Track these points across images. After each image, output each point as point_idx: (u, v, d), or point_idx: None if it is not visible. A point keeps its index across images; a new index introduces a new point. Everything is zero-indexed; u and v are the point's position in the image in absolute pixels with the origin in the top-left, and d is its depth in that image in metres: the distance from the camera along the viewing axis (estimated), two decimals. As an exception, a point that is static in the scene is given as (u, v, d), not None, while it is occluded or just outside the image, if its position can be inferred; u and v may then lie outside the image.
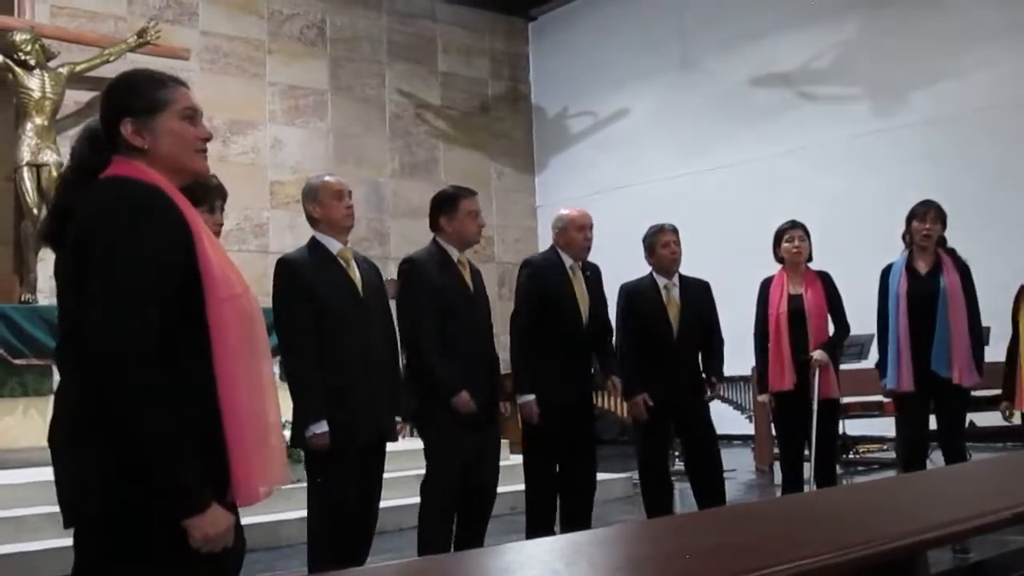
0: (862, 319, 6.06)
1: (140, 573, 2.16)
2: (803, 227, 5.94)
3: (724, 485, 5.71)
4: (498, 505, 5.06)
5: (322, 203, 4.33)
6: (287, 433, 4.74)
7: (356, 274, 4.32)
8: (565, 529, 5.21)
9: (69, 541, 2.26)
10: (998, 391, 5.96)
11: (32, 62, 9.11)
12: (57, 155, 8.88)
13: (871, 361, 6.37)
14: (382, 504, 4.43)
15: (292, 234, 10.66)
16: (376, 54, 12.77)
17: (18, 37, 9.08)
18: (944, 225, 5.63)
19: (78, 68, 9.46)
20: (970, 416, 6.10)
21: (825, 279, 5.91)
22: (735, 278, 6.83)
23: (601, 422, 6.36)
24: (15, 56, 9.08)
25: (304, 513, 4.31)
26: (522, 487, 5.35)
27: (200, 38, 11.24)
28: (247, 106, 11.57)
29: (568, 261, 5.37)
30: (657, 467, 5.71)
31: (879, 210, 8.26)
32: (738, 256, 8.41)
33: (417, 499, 4.76)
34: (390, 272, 10.68)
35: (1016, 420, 5.79)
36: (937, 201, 5.64)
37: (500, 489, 4.99)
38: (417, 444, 4.90)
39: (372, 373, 4.25)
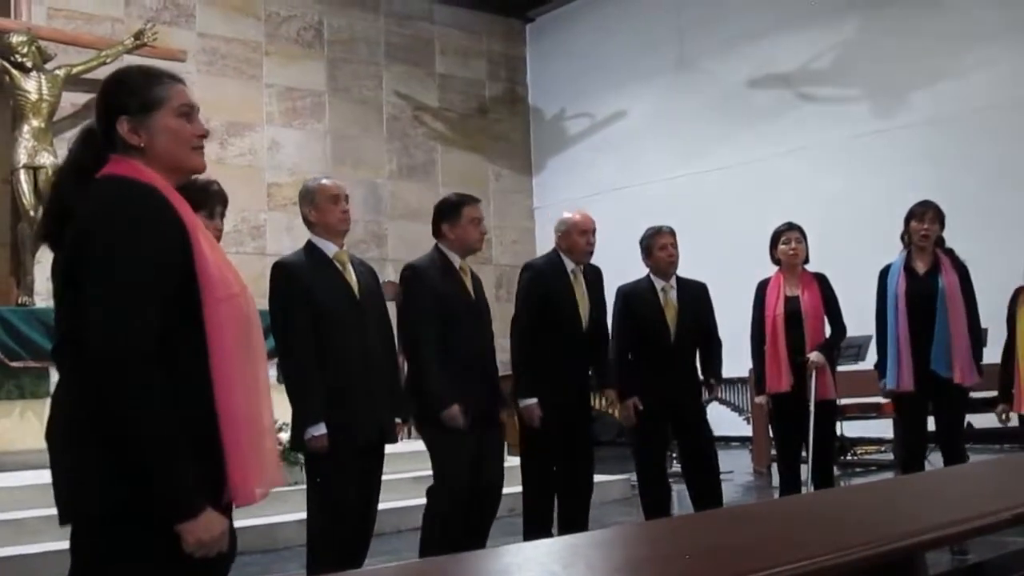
0: (861, 320, 6.07)
1: (137, 574, 2.16)
2: (800, 229, 5.95)
3: (721, 487, 5.71)
4: (495, 507, 5.06)
5: (318, 207, 4.33)
6: (284, 435, 4.77)
7: (352, 277, 4.31)
8: (563, 530, 5.21)
9: (68, 544, 2.26)
10: (996, 393, 5.95)
11: (29, 64, 9.10)
12: (54, 157, 8.86)
13: (869, 362, 6.38)
14: (381, 506, 4.42)
15: (289, 236, 10.66)
16: (373, 56, 12.77)
17: (15, 39, 9.07)
18: (942, 225, 5.64)
19: (75, 70, 9.45)
20: (968, 417, 6.08)
21: (822, 281, 5.91)
22: (734, 279, 6.82)
23: (599, 423, 6.36)
24: (11, 58, 9.06)
25: (301, 516, 4.31)
26: (520, 489, 5.35)
27: (197, 40, 11.23)
28: (244, 108, 11.57)
29: (570, 265, 5.38)
30: (655, 469, 5.71)
31: (878, 211, 8.25)
32: (737, 257, 8.41)
33: (416, 501, 4.75)
34: (387, 274, 10.71)
35: (1014, 422, 5.78)
36: (936, 202, 5.64)
37: (498, 491, 4.99)
38: (416, 446, 4.91)
39: (370, 375, 4.24)
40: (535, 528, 5.23)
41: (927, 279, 5.55)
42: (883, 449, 9.47)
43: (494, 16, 13.95)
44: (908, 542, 2.19)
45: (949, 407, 5.59)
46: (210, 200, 3.61)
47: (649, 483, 5.66)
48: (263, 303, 4.17)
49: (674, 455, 7.18)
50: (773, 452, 7.34)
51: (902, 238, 5.71)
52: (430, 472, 4.76)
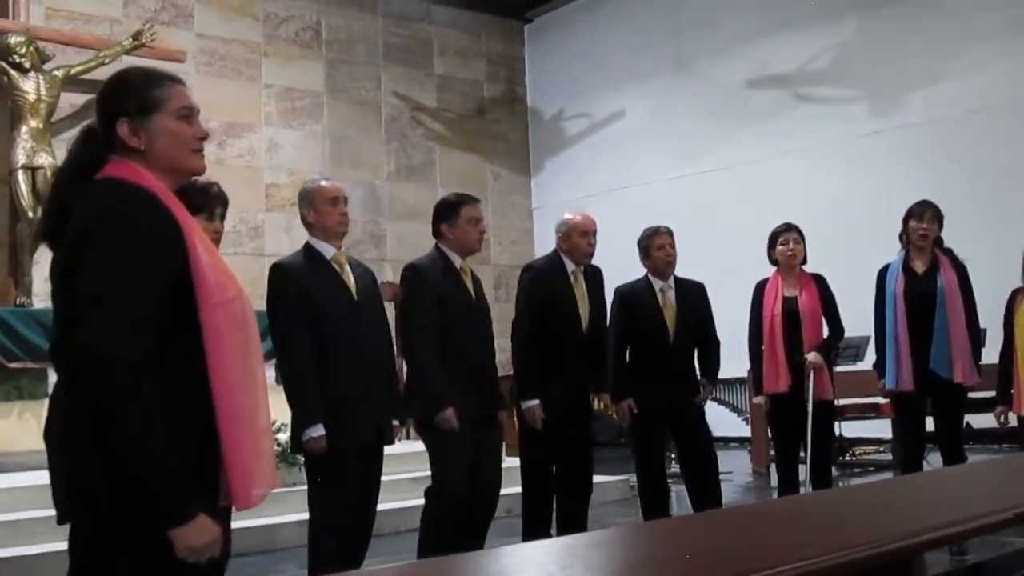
0: (860, 320, 6.07)
1: (135, 573, 2.16)
2: (797, 229, 5.95)
3: (720, 487, 5.71)
4: (493, 507, 5.06)
5: (317, 208, 4.32)
6: (283, 436, 4.77)
7: (350, 278, 4.31)
8: (562, 531, 5.21)
9: (66, 545, 2.26)
10: (994, 393, 5.94)
11: (27, 65, 9.08)
12: (52, 158, 8.85)
13: (868, 363, 6.37)
14: (380, 507, 4.42)
15: (288, 237, 10.66)
16: (372, 56, 12.76)
17: (13, 39, 9.05)
18: (941, 225, 5.64)
19: (73, 71, 9.44)
20: (967, 418, 6.09)
21: (819, 281, 5.92)
22: (733, 280, 6.82)
23: (598, 424, 6.35)
24: (10, 59, 9.04)
25: (300, 516, 4.31)
26: (518, 490, 5.35)
27: (196, 40, 11.22)
28: (243, 108, 11.56)
29: (570, 266, 5.39)
30: (654, 469, 5.71)
31: (877, 211, 8.25)
32: (735, 258, 8.41)
33: (415, 502, 4.75)
34: (386, 275, 10.71)
35: (1012, 423, 5.78)
36: (934, 201, 5.65)
37: (496, 492, 4.99)
38: (414, 447, 4.91)
39: (368, 376, 4.25)
40: (534, 529, 5.23)
41: (926, 279, 5.56)
42: (882, 449, 9.47)
43: (492, 17, 13.95)
44: (907, 542, 2.19)
45: (948, 407, 5.60)
46: (210, 202, 3.62)
47: (648, 484, 5.66)
48: (261, 304, 4.16)
49: (673, 456, 7.17)
50: (772, 453, 7.34)
51: (900, 238, 5.71)
52: (429, 473, 4.76)
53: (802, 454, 5.92)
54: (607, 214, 7.08)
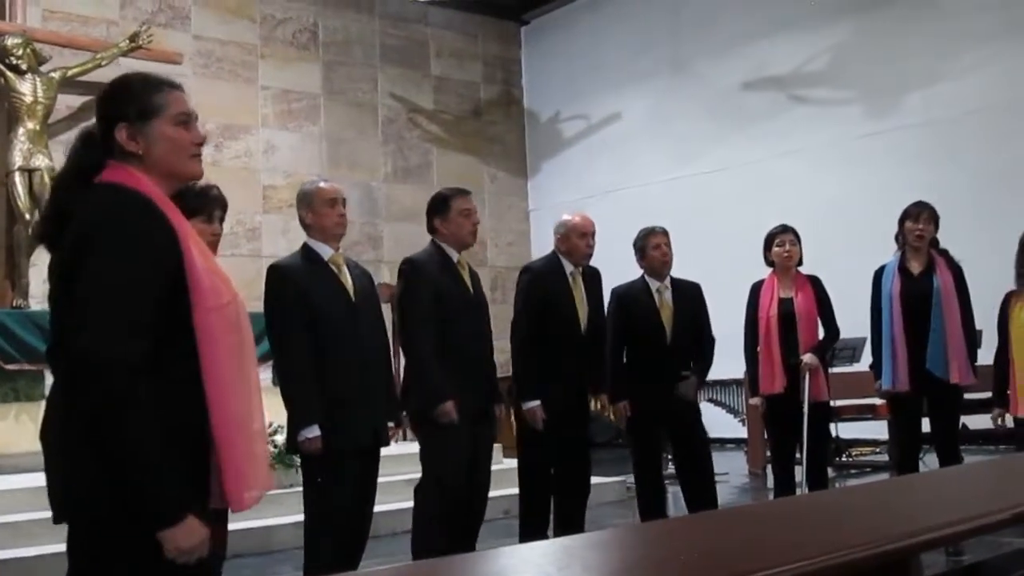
0: (856, 322, 6.07)
1: (132, 573, 2.17)
2: (793, 231, 5.95)
3: (715, 488, 5.72)
4: (491, 509, 5.06)
5: (315, 210, 4.33)
6: (279, 438, 4.77)
7: (348, 280, 4.32)
8: (559, 532, 5.21)
9: (64, 546, 2.26)
10: (991, 394, 5.95)
11: (24, 66, 9.08)
12: (49, 160, 8.85)
13: (864, 364, 6.38)
14: (376, 508, 4.43)
15: (285, 238, 10.66)
16: (369, 58, 12.76)
17: (9, 41, 9.05)
18: (937, 226, 5.65)
19: (70, 72, 9.43)
20: (963, 419, 6.09)
21: (815, 283, 5.92)
22: (730, 281, 6.82)
23: (596, 425, 6.35)
24: (7, 60, 9.04)
25: (296, 518, 4.31)
26: (515, 491, 5.35)
27: (192, 42, 11.22)
28: (240, 110, 11.55)
29: (569, 267, 5.39)
30: (651, 471, 5.71)
31: (873, 212, 8.26)
32: (732, 259, 8.41)
33: (411, 503, 4.74)
34: (383, 276, 10.70)
35: (1009, 424, 5.79)
36: (931, 203, 5.65)
37: (493, 493, 5.00)
38: (411, 448, 4.90)
39: (366, 377, 4.25)
40: (531, 530, 5.22)
41: (922, 280, 5.56)
42: (878, 450, 9.48)
43: (489, 18, 13.95)
44: (903, 543, 2.19)
45: (944, 408, 5.60)
46: (209, 204, 3.62)
47: (646, 484, 5.66)
48: (258, 306, 4.18)
49: (669, 457, 7.17)
50: (768, 454, 7.35)
51: (897, 239, 5.72)
52: (426, 474, 4.76)
53: (798, 455, 5.92)
54: (604, 215, 7.07)
